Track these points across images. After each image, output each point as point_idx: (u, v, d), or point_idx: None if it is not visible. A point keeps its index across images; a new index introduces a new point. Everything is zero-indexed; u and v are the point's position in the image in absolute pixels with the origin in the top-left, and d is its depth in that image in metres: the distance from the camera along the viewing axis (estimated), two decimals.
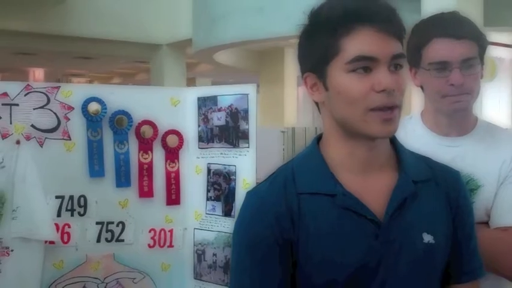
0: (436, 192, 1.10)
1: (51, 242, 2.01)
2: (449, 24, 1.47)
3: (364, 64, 1.00)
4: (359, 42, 1.00)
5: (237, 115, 2.08)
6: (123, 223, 2.10)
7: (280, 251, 1.02)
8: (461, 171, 1.48)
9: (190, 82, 14.76)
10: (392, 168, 1.09)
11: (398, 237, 1.03)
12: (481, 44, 1.48)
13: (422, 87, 1.54)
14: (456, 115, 1.52)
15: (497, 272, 1.46)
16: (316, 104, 1.11)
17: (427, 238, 1.05)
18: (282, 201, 1.03)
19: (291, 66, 11.77)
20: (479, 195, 1.48)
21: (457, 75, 1.43)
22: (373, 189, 1.05)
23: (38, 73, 16.10)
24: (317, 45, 1.03)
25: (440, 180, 1.12)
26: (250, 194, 1.11)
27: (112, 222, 2.09)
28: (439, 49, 1.45)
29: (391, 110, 1.01)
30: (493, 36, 6.45)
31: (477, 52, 1.47)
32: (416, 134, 1.56)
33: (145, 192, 2.13)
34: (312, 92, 1.08)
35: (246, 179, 2.05)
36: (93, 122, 2.07)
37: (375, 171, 1.07)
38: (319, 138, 1.12)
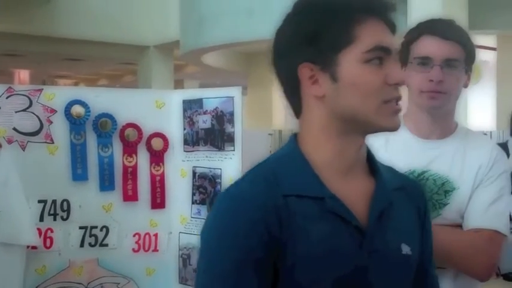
0: (408, 201, 1.07)
1: (34, 247, 1.99)
2: (440, 25, 1.53)
3: (380, 55, 0.97)
4: (375, 32, 0.98)
5: (222, 118, 2.06)
6: (107, 227, 2.08)
7: (264, 255, 0.92)
8: (438, 173, 1.52)
9: (178, 84, 14.71)
10: (367, 174, 1.04)
11: (380, 248, 0.99)
12: (468, 50, 1.52)
13: (407, 86, 1.57)
14: (436, 115, 1.55)
15: (469, 272, 1.50)
16: (294, 100, 1.03)
17: (405, 249, 1.02)
18: (268, 201, 0.94)
19: None
20: (454, 197, 1.52)
21: (437, 72, 1.48)
22: (353, 193, 1.00)
23: (23, 75, 15.96)
24: (327, 32, 0.97)
25: (409, 190, 1.09)
26: (227, 196, 0.99)
27: (96, 227, 2.07)
28: (425, 45, 1.50)
29: (398, 102, 1.00)
30: (478, 39, 6.50)
31: (462, 56, 1.51)
32: (397, 136, 1.57)
33: (130, 196, 2.11)
34: (309, 85, 0.99)
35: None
36: (76, 125, 2.04)
37: (355, 175, 1.02)
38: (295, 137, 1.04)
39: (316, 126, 1.01)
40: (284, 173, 0.99)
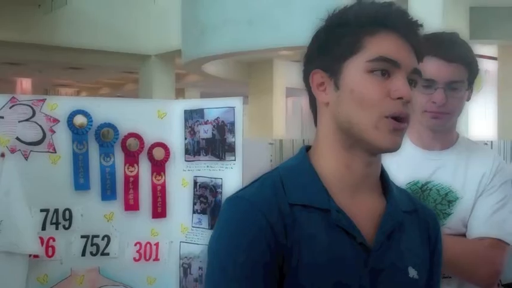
0: (419, 226, 1.06)
1: (36, 256, 1.99)
2: (444, 46, 1.51)
3: (385, 66, 0.96)
4: (384, 44, 0.97)
5: (223, 128, 2.08)
6: (108, 236, 2.09)
7: (271, 260, 0.93)
8: (441, 183, 1.54)
9: (179, 93, 14.75)
10: (379, 193, 1.03)
11: (386, 268, 0.98)
12: (472, 69, 1.53)
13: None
14: (438, 131, 1.57)
15: (473, 280, 1.52)
16: (313, 109, 1.05)
17: (412, 273, 1.00)
18: (274, 207, 0.94)
19: (280, 78, 11.82)
20: (458, 206, 1.53)
21: (440, 95, 1.49)
22: (362, 211, 0.99)
23: (26, 83, 16.00)
24: (337, 41, 0.99)
25: (421, 215, 1.07)
26: (235, 200, 0.98)
27: (97, 236, 2.08)
28: (429, 67, 1.48)
29: (401, 121, 0.97)
30: (479, 48, 6.53)
31: (465, 76, 1.52)
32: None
33: (131, 205, 2.11)
34: (318, 91, 1.01)
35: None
36: (78, 134, 2.06)
37: (365, 192, 1.01)
38: (307, 149, 1.05)
39: (324, 136, 1.02)
40: (292, 182, 0.99)
